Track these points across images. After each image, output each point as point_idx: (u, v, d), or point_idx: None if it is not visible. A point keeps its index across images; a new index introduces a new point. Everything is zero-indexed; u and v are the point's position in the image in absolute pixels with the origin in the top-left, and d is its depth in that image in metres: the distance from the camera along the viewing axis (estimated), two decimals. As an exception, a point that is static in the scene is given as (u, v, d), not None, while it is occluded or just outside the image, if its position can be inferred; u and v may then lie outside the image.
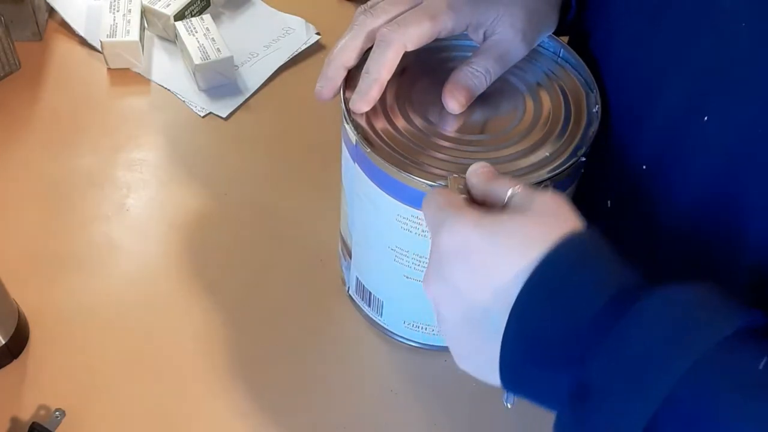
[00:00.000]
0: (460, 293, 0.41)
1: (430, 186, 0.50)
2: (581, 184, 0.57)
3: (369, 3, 0.56)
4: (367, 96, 0.54)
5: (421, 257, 0.56)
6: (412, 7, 0.55)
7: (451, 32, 0.55)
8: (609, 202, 0.56)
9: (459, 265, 0.41)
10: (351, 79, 0.56)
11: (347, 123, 0.54)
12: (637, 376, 0.36)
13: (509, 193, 0.42)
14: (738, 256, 0.45)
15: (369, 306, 0.65)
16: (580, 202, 0.57)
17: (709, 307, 0.37)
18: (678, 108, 0.48)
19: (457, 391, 0.65)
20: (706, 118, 0.45)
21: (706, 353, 0.35)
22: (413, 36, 0.54)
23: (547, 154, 0.53)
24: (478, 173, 0.45)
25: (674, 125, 0.48)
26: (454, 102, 0.55)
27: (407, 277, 0.58)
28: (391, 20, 0.54)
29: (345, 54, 0.56)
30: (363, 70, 0.54)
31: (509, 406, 0.45)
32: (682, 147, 0.48)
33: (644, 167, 0.52)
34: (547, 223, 0.39)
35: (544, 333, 0.38)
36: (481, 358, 0.42)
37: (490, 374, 0.42)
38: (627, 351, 0.36)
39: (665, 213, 0.51)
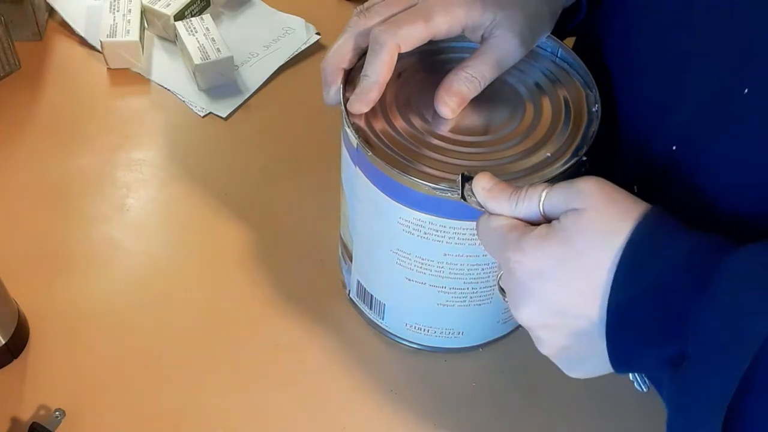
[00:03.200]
0: (555, 309, 0.43)
1: (433, 188, 0.50)
2: (605, 168, 0.56)
3: (364, 5, 0.56)
4: (365, 97, 0.54)
5: (423, 260, 0.56)
6: (406, 9, 0.55)
7: (446, 34, 0.55)
8: (635, 186, 0.55)
9: (545, 284, 0.42)
10: (352, 81, 0.56)
11: (348, 126, 0.54)
12: (725, 339, 0.37)
13: (542, 198, 0.44)
14: None
15: (371, 309, 0.65)
16: None
17: None
18: (714, 84, 0.46)
19: (457, 392, 0.65)
20: (746, 91, 0.44)
21: None
22: (406, 36, 0.53)
23: (548, 154, 0.53)
24: (493, 197, 0.46)
25: (709, 102, 0.47)
26: (446, 108, 0.54)
27: (409, 280, 0.58)
28: (384, 21, 0.54)
29: (338, 56, 0.56)
30: (361, 73, 0.54)
31: (645, 390, 0.47)
32: (718, 124, 0.47)
33: (674, 148, 0.51)
34: (611, 213, 0.41)
35: (642, 314, 0.40)
36: (591, 360, 0.44)
37: (603, 369, 0.44)
38: (715, 317, 0.38)
39: (698, 195, 0.49)
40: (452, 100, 0.54)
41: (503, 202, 0.46)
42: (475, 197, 0.48)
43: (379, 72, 0.53)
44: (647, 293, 0.40)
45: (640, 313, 0.40)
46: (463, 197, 0.48)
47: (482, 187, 0.47)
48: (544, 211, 0.44)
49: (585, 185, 0.43)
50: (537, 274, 0.42)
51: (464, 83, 0.54)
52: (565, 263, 0.41)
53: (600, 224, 0.41)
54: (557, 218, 0.43)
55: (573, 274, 0.41)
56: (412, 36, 0.53)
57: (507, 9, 0.54)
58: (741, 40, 0.44)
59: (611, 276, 0.41)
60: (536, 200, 0.44)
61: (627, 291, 0.40)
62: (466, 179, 0.48)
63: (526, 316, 0.44)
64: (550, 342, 0.44)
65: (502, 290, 0.48)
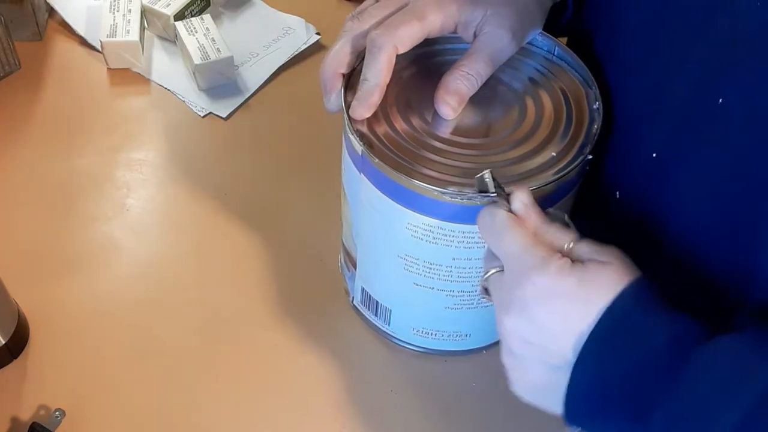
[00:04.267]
0: (541, 334, 0.44)
1: (443, 193, 0.50)
2: (590, 175, 0.56)
3: (357, 9, 0.56)
4: (367, 102, 0.53)
5: (431, 264, 0.56)
6: (399, 9, 0.55)
7: (440, 31, 0.55)
8: (617, 192, 0.56)
9: (545, 308, 0.43)
10: (351, 86, 0.56)
11: (352, 134, 0.53)
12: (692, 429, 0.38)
13: (571, 242, 0.45)
14: (749, 255, 0.44)
15: (376, 315, 0.65)
16: (590, 194, 0.57)
17: (761, 354, 0.39)
18: (691, 93, 0.47)
19: (457, 392, 0.65)
20: (720, 101, 0.44)
21: (761, 394, 0.36)
22: (403, 37, 0.53)
23: (553, 154, 0.53)
24: (532, 216, 0.47)
25: (687, 111, 0.48)
26: (447, 107, 0.54)
27: (417, 285, 0.58)
28: (378, 23, 0.54)
29: (336, 61, 0.56)
30: (361, 77, 0.54)
31: None
32: (695, 133, 0.47)
33: (654, 155, 0.51)
34: (631, 273, 0.43)
35: (607, 383, 0.41)
36: (548, 394, 0.45)
37: (555, 407, 0.45)
38: (682, 406, 0.39)
39: (674, 203, 0.50)
40: (452, 99, 0.54)
41: (536, 219, 0.47)
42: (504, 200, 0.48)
43: (378, 75, 0.53)
44: (616, 361, 0.41)
45: (606, 380, 0.41)
46: (489, 193, 0.48)
47: (521, 200, 0.47)
48: (570, 248, 0.45)
49: (612, 247, 0.44)
50: (543, 296, 0.43)
51: (461, 81, 0.54)
52: (571, 301, 0.43)
53: (616, 282, 0.42)
54: (581, 260, 0.44)
55: (573, 314, 0.43)
56: (408, 36, 0.53)
57: (497, 5, 0.55)
58: (717, 50, 0.45)
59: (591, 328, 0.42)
60: (566, 240, 0.45)
61: (598, 351, 0.42)
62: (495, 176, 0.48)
63: (512, 325, 0.45)
64: (521, 356, 0.45)
65: (486, 290, 0.49)
